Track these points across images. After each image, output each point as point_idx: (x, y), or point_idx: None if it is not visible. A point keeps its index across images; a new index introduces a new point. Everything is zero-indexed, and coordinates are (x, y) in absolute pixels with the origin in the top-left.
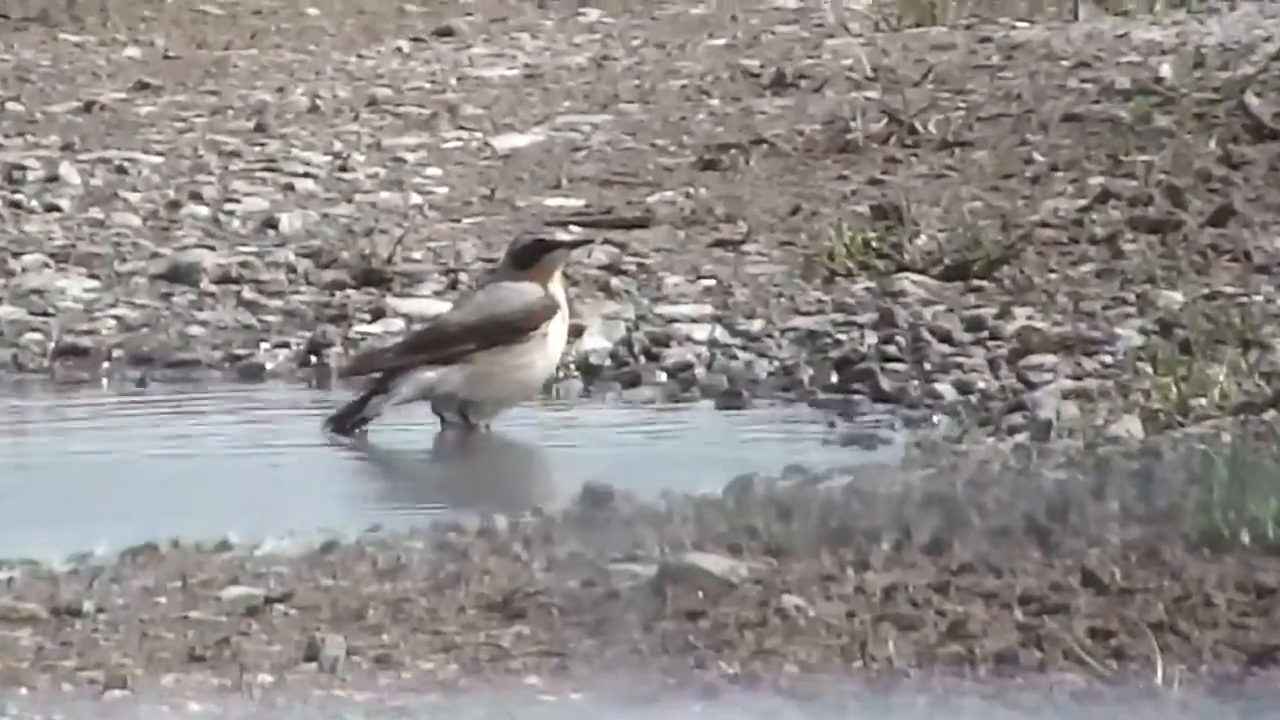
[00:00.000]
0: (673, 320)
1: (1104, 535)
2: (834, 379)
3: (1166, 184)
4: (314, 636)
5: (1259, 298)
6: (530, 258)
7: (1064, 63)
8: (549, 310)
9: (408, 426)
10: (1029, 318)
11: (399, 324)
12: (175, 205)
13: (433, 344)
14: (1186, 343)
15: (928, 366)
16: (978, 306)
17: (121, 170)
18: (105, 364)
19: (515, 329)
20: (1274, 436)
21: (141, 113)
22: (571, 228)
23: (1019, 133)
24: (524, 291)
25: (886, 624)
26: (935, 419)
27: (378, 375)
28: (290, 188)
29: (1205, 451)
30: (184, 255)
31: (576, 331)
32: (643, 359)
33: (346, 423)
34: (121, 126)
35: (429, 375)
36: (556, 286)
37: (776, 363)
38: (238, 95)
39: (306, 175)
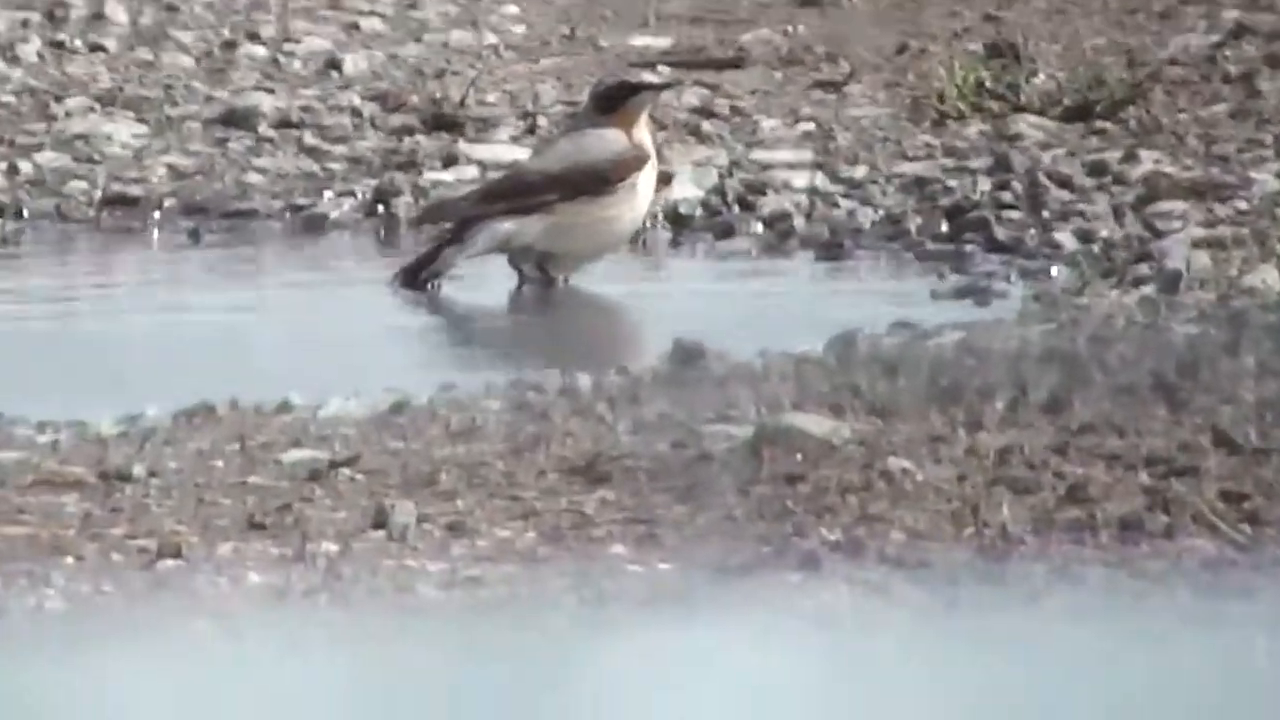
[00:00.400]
0: (769, 166)
1: (1237, 392)
2: (944, 228)
3: None
4: (382, 503)
5: None
6: (615, 101)
7: None
8: (639, 160)
9: (483, 280)
10: (1156, 161)
11: (473, 171)
12: (230, 45)
13: (511, 192)
14: None
15: (1046, 214)
16: (1101, 150)
17: (171, 8)
18: (155, 214)
19: (602, 179)
20: None
21: None
22: (659, 68)
23: None
24: (611, 139)
25: (1001, 488)
26: (1054, 270)
27: (451, 225)
28: (355, 26)
29: None
30: (240, 99)
31: (665, 179)
32: (737, 208)
33: (417, 276)
34: None
35: (506, 226)
36: (644, 132)
37: (881, 211)
38: None
39: (372, 13)
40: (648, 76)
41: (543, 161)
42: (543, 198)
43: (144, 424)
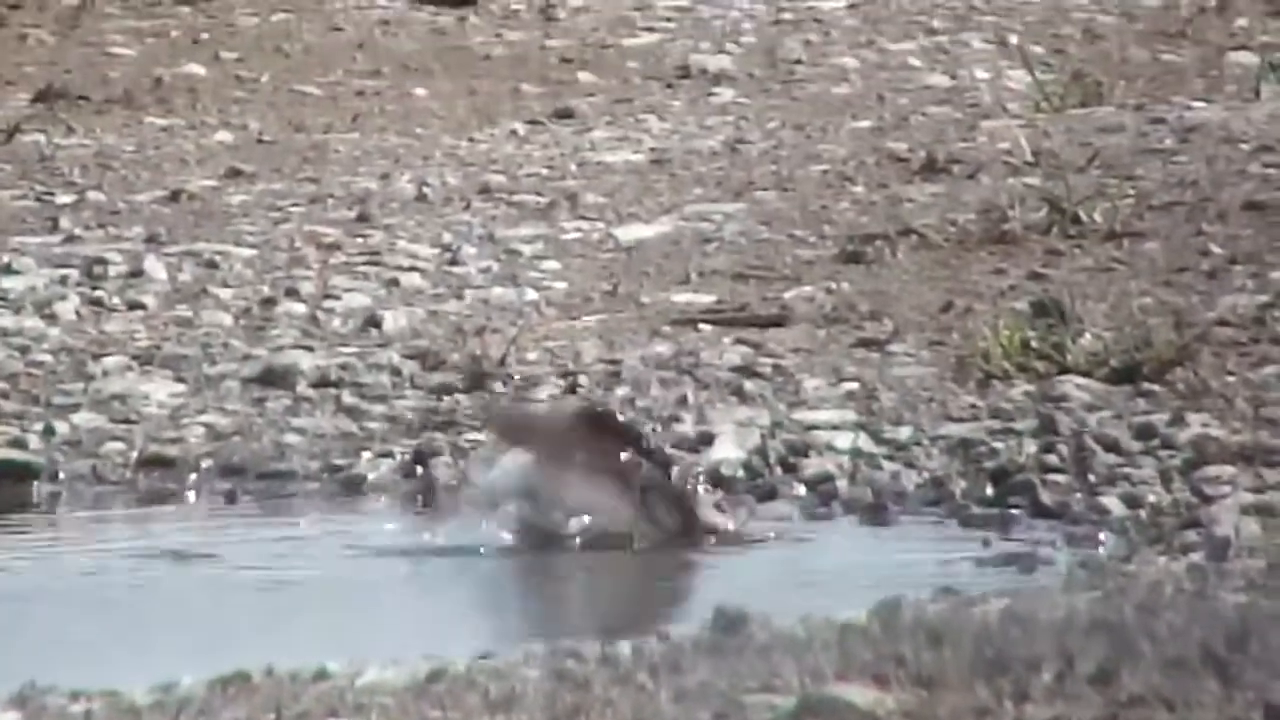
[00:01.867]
0: (812, 427)
1: None
2: (989, 492)
3: None
4: None
5: None
6: None
7: (1244, 146)
8: None
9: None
10: (1205, 425)
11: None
12: (269, 302)
13: None
14: None
15: (1093, 478)
16: (1148, 412)
17: (211, 264)
18: (192, 475)
19: None
20: None
21: (233, 202)
22: (700, 326)
23: (1194, 222)
24: None
25: None
26: (1101, 536)
27: None
28: (395, 283)
29: None
30: (279, 357)
31: (706, 439)
32: (779, 469)
33: None
34: (211, 217)
35: None
36: None
37: (926, 474)
38: (338, 183)
39: (412, 269)
40: None
41: None
42: None
43: (179, 693)
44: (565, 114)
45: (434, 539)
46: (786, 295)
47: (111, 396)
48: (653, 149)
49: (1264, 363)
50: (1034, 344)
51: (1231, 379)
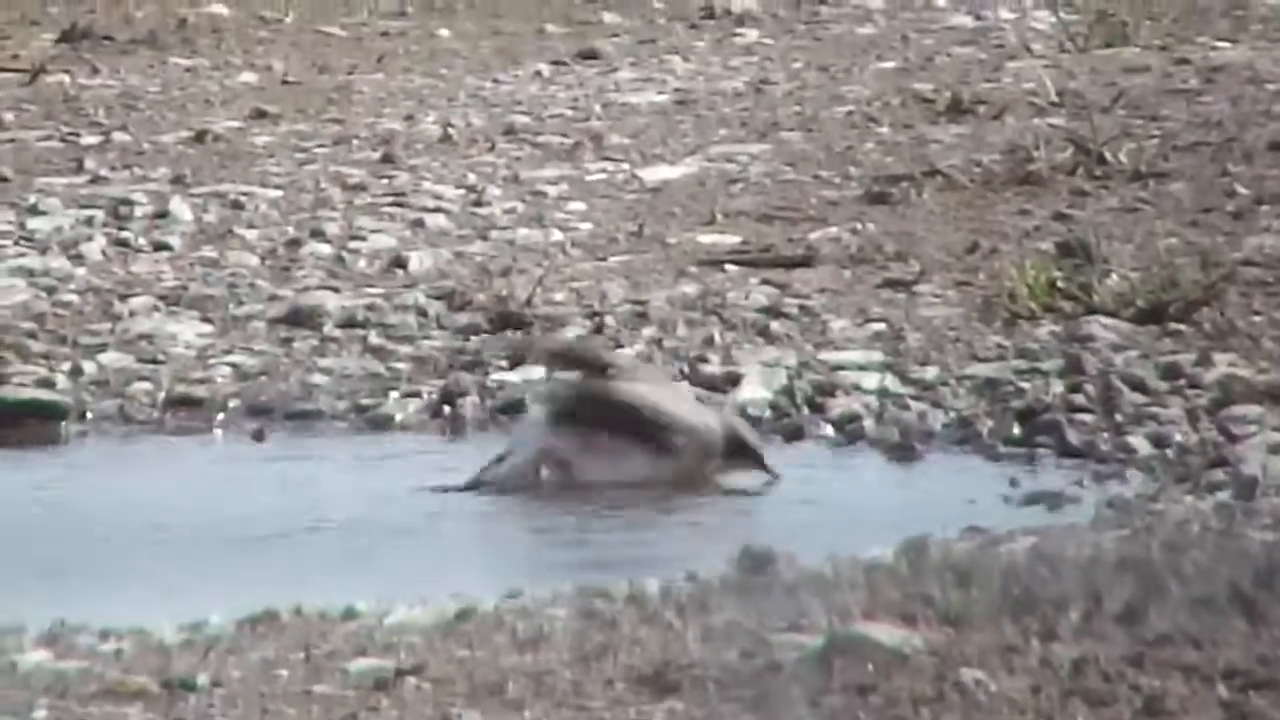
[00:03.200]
0: (839, 367)
1: None
2: (1016, 431)
3: None
4: (449, 712)
5: None
6: None
7: (1270, 86)
8: None
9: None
10: (1231, 364)
11: (539, 371)
12: (295, 243)
13: None
14: None
15: (1119, 418)
16: (1174, 352)
17: (237, 205)
18: (220, 415)
19: None
20: None
21: (258, 143)
22: (727, 267)
23: (1220, 163)
24: None
25: (1075, 700)
26: (1128, 475)
27: None
28: (420, 224)
29: None
30: (305, 297)
31: (733, 380)
32: (805, 409)
33: None
34: (237, 158)
35: None
36: None
37: (952, 413)
38: (363, 124)
39: (438, 210)
40: None
41: None
42: None
43: (208, 631)
44: (590, 55)
45: (464, 478)
46: (812, 236)
47: (138, 336)
48: (677, 90)
49: None
50: (1060, 284)
51: (1258, 319)
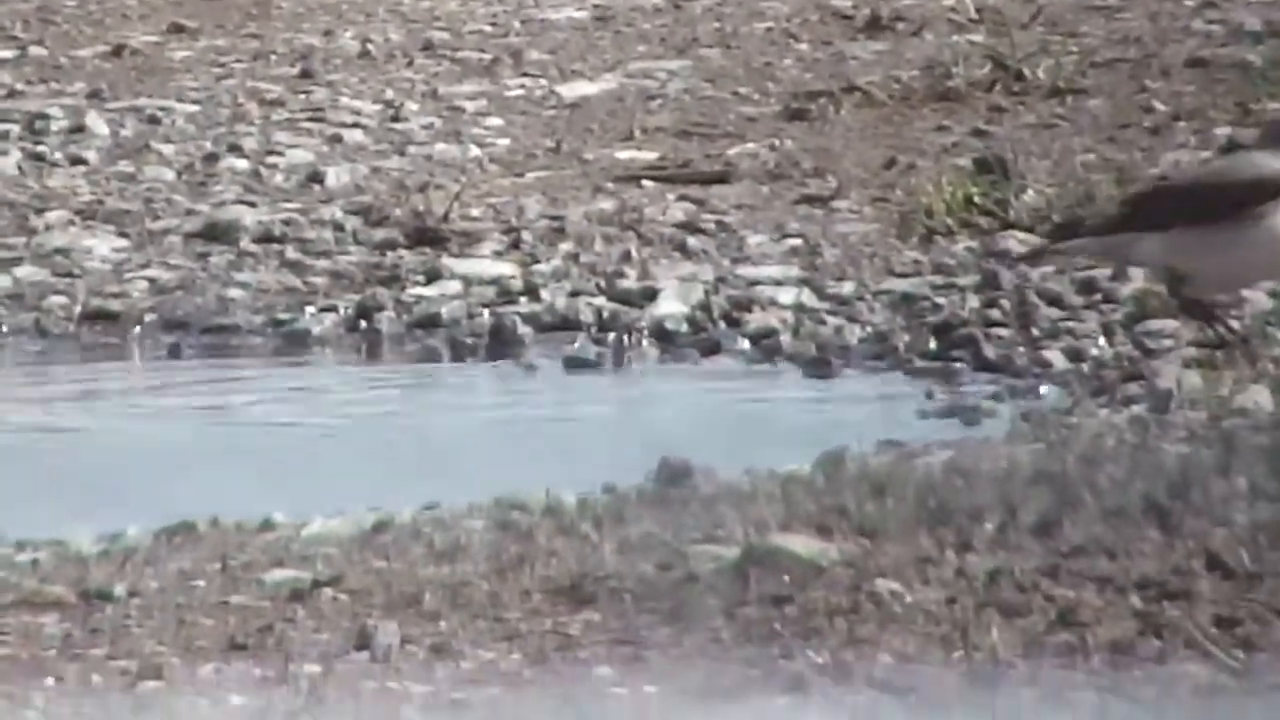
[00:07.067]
0: (755, 282)
1: (1230, 515)
2: (932, 346)
3: None
4: (365, 624)
5: None
6: None
7: (1188, 3)
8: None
9: (469, 397)
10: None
11: (456, 286)
12: (212, 158)
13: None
14: None
15: (1035, 332)
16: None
17: (153, 120)
18: (136, 329)
19: (1234, 201)
20: None
21: (176, 58)
22: (644, 183)
23: (1137, 79)
24: (1262, 163)
25: (990, 610)
26: (1043, 389)
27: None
28: (337, 139)
29: None
30: (222, 212)
31: (650, 295)
32: (722, 324)
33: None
34: (154, 72)
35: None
36: None
37: (869, 328)
38: (281, 39)
39: (355, 126)
40: None
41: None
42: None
43: (125, 543)
44: None
45: (378, 392)
46: (730, 152)
47: (54, 250)
48: (596, 5)
49: None
50: (977, 200)
51: None
